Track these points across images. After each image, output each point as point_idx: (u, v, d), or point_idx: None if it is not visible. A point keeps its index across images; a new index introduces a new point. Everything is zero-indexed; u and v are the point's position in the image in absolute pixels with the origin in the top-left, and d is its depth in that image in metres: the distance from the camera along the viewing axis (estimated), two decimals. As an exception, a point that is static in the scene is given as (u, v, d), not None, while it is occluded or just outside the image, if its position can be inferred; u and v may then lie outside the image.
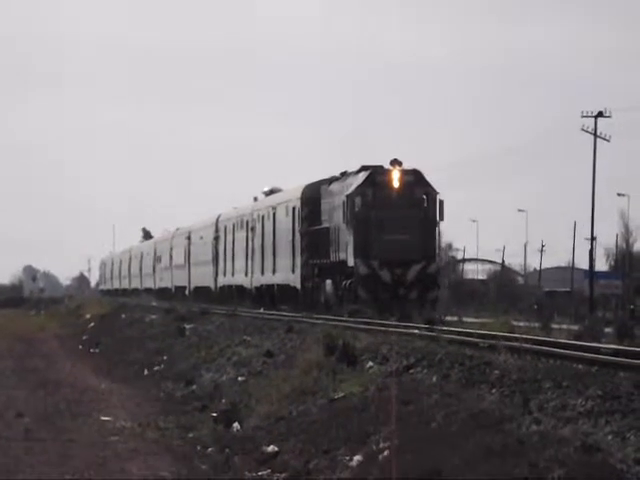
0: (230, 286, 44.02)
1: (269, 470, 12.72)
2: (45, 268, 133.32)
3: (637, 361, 12.14)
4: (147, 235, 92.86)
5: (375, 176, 28.58)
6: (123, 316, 43.63)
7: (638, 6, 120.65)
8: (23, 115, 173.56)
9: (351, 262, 28.36)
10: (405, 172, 28.55)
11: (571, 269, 69.67)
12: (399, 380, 13.90)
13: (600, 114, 55.63)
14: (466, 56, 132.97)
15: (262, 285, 38.55)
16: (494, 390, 11.68)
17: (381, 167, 28.88)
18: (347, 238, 28.85)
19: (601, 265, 68.39)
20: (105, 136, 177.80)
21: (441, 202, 28.62)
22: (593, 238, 55.19)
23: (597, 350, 13.53)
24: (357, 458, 11.71)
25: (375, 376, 14.84)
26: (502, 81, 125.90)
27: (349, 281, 28.40)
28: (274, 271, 36.82)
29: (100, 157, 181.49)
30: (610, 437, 9.02)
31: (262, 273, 38.53)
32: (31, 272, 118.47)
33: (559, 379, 11.22)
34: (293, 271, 34.19)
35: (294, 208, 34.44)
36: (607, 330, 19.98)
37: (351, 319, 24.60)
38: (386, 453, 11.29)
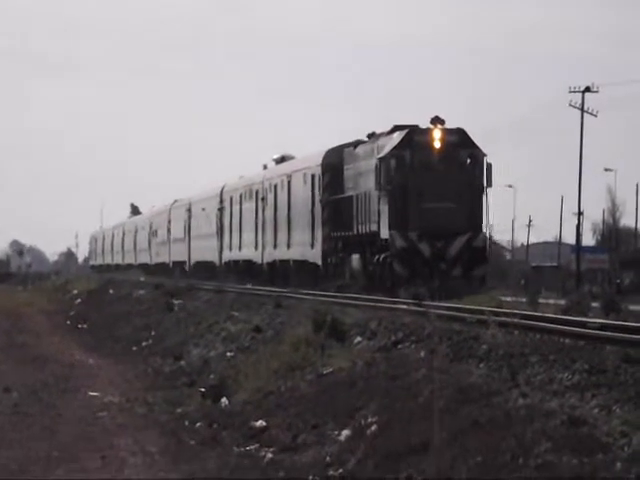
0: (237, 261, 41.29)
1: (257, 445, 12.80)
2: (32, 243, 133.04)
3: (623, 335, 12.26)
4: (135, 211, 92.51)
5: (413, 136, 25.38)
6: (111, 292, 43.63)
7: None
8: (10, 92, 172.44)
9: (385, 234, 25.43)
10: (448, 131, 25.34)
11: (558, 244, 69.99)
12: (387, 355, 13.98)
13: (587, 89, 55.79)
14: (454, 35, 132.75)
15: (275, 261, 35.80)
16: (482, 365, 11.78)
17: (417, 127, 25.77)
18: (380, 207, 25.78)
19: (588, 240, 68.86)
20: (91, 109, 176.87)
21: (489, 165, 25.48)
22: (580, 213, 55.54)
23: (584, 324, 13.65)
24: (345, 432, 11.80)
25: (363, 351, 14.92)
26: (490, 59, 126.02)
27: (382, 255, 25.40)
28: (289, 245, 34.21)
29: (86, 132, 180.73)
30: (596, 410, 9.12)
31: (275, 247, 35.86)
32: (18, 247, 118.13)
33: (546, 353, 11.33)
34: (312, 246, 31.47)
35: (313, 175, 31.52)
36: (594, 304, 20.13)
37: (340, 294, 24.66)
38: (374, 428, 11.37)
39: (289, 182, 34.56)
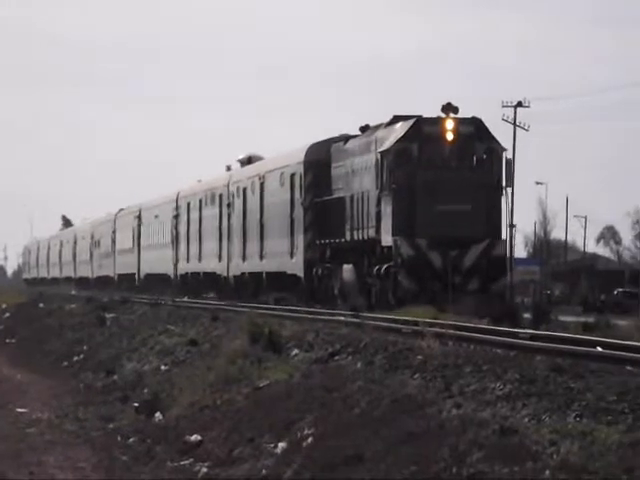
0: (197, 273, 38.11)
1: (192, 459, 12.97)
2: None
3: (552, 345, 12.74)
4: (67, 223, 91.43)
5: (422, 126, 22.06)
6: (41, 305, 43.28)
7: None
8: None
9: (387, 241, 22.14)
10: (462, 121, 22.06)
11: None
12: (324, 367, 14.25)
13: (519, 104, 57.58)
14: (387, 45, 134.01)
15: (244, 273, 32.54)
16: (417, 375, 12.12)
17: (423, 117, 22.47)
18: (381, 209, 22.55)
19: (520, 252, 70.27)
20: (23, 120, 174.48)
21: (509, 161, 22.62)
22: (512, 225, 56.79)
23: (515, 335, 14.09)
24: (281, 445, 12.03)
25: (300, 363, 15.17)
26: (425, 70, 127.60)
27: (385, 266, 21.99)
28: (262, 256, 30.80)
29: (12, 142, 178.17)
30: (526, 420, 9.50)
31: (243, 258, 32.55)
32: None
33: (479, 363, 11.71)
34: (292, 255, 28.06)
35: (293, 175, 28.18)
36: (526, 315, 20.58)
37: (277, 307, 24.83)
38: (310, 440, 11.63)
39: (262, 184, 31.23)
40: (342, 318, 19.48)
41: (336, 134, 27.11)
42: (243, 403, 14.38)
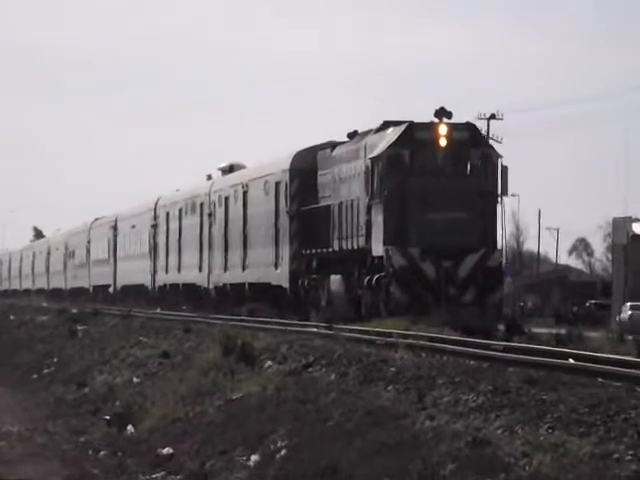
0: (176, 285, 37.31)
1: (164, 472, 12.96)
2: None
3: (526, 357, 12.86)
4: (39, 234, 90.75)
5: (414, 131, 21.50)
6: (12, 318, 42.98)
7: (534, 13, 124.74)
8: None
9: (378, 250, 21.44)
10: (456, 127, 21.54)
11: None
12: (298, 379, 14.30)
13: (493, 116, 58.23)
14: (362, 56, 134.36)
15: (226, 285, 31.77)
16: (390, 387, 12.19)
17: (413, 122, 21.78)
18: (372, 218, 21.86)
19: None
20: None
21: (504, 168, 21.62)
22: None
23: (488, 346, 14.21)
24: (254, 458, 12.05)
25: (274, 375, 15.21)
26: (401, 83, 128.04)
27: (375, 277, 21.35)
28: (245, 266, 30.12)
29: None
30: (499, 431, 9.60)
31: (225, 269, 31.83)
32: None
33: (452, 375, 11.81)
34: (277, 266, 27.45)
35: (278, 183, 27.62)
36: (500, 327, 20.63)
37: (250, 318, 24.85)
38: (283, 452, 11.66)
39: (245, 192, 30.55)
40: (315, 330, 19.53)
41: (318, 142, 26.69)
42: (216, 415, 14.39)
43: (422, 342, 14.49)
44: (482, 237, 21.15)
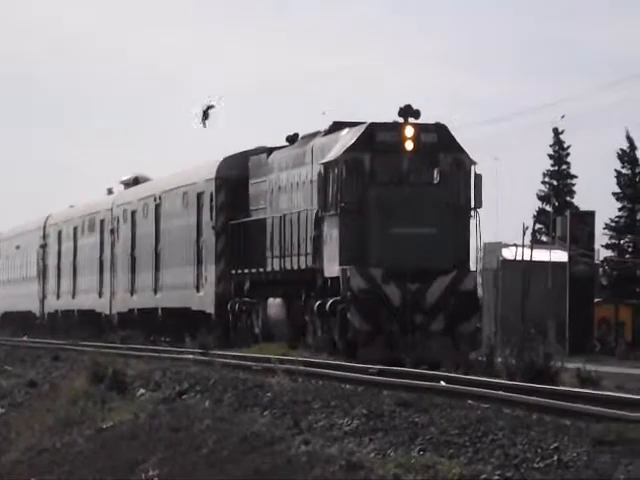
0: (70, 311, 34.72)
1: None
2: None
3: (399, 380, 13.23)
4: None
5: (375, 133, 18.80)
6: None
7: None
8: None
9: (332, 271, 18.83)
10: (424, 128, 18.88)
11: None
12: (171, 407, 14.33)
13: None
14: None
15: (133, 310, 29.19)
16: (266, 412, 12.38)
17: (374, 122, 19.14)
18: (323, 232, 19.28)
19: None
20: None
21: (478, 177, 18.98)
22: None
23: (364, 370, 14.50)
24: (125, 487, 12.03)
25: (146, 403, 15.20)
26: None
27: (330, 301, 18.57)
28: (156, 289, 27.65)
29: None
30: (373, 454, 9.90)
31: (132, 293, 29.33)
32: None
33: (328, 399, 12.08)
34: (199, 288, 24.89)
35: (200, 194, 25.11)
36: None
37: (123, 345, 24.67)
38: (155, 481, 11.69)
39: (158, 206, 27.89)
40: (191, 356, 19.54)
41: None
42: (85, 445, 14.32)
43: (300, 367, 14.70)
44: (454, 256, 18.61)
